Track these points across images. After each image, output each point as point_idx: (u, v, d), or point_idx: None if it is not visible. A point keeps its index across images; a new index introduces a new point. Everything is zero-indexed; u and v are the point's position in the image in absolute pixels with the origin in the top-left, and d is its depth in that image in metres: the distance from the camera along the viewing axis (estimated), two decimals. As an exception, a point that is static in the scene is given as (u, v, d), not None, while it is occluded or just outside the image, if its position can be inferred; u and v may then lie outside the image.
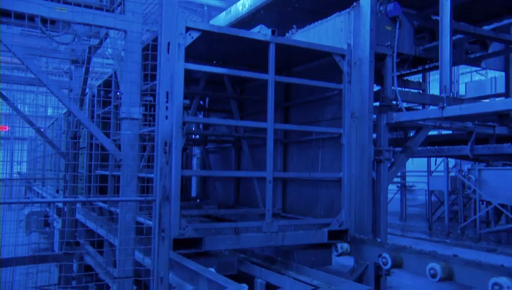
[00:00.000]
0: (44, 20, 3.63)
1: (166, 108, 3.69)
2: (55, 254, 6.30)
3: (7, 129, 18.30)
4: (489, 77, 14.26)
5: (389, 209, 6.97)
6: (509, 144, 7.04)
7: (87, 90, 7.17)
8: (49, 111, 13.95)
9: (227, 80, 7.24)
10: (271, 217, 5.00)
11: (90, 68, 6.59)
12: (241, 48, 5.66)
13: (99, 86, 6.70)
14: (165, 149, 3.66)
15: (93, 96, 6.94)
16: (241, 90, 7.86)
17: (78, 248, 6.21)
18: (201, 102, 8.66)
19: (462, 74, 19.33)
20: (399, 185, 17.35)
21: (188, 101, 7.80)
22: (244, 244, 4.89)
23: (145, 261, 3.93)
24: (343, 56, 5.51)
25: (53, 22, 4.17)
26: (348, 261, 6.07)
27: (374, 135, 6.13)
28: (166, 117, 3.67)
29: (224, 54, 6.15)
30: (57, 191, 10.77)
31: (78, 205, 7.03)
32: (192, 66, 4.82)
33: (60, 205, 8.05)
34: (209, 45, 5.57)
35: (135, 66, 4.01)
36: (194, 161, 11.16)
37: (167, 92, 3.66)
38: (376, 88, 6.19)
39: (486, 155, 7.28)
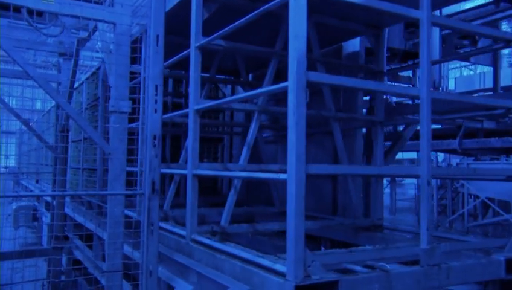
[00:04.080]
0: (30, 12, 3.58)
1: (156, 101, 3.67)
2: (43, 248, 6.26)
3: (-6, 123, 18.06)
4: (478, 72, 14.38)
5: (379, 203, 6.99)
6: (497, 138, 7.11)
7: (100, 65, 6.82)
8: (38, 104, 13.80)
9: (315, 36, 4.73)
10: (429, 240, 3.17)
11: (79, 61, 6.52)
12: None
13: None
14: (154, 143, 3.64)
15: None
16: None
17: (67, 242, 6.17)
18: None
19: (452, 69, 19.47)
20: (389, 179, 17.48)
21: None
22: (396, 288, 2.98)
23: (134, 255, 3.91)
24: None
25: (40, 13, 4.12)
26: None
27: (364, 129, 6.15)
28: (156, 110, 3.65)
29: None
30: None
31: (67, 199, 6.98)
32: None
33: (49, 199, 7.99)
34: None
35: (124, 58, 3.98)
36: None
37: (156, 86, 3.64)
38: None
39: (475, 149, 7.36)
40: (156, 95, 3.66)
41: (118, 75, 4.00)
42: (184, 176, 5.23)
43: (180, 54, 4.62)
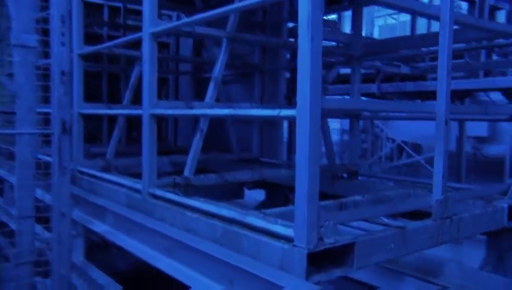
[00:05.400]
0: None
1: (63, 34, 3.40)
2: None
3: None
4: (400, 21, 14.96)
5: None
6: (411, 82, 7.53)
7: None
8: None
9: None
10: (443, 190, 2.65)
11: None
12: None
13: None
14: (62, 79, 3.41)
15: None
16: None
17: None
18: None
19: (377, 17, 19.97)
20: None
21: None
22: (411, 248, 2.55)
23: (45, 198, 3.75)
24: None
25: None
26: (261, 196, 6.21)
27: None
28: (63, 43, 3.39)
29: None
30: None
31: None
32: None
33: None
34: None
35: (26, -15, 3.62)
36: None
37: (62, 16, 3.35)
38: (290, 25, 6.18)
39: (391, 93, 7.73)
40: (63, 26, 3.39)
41: (19, 4, 3.64)
42: (128, 120, 4.82)
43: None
